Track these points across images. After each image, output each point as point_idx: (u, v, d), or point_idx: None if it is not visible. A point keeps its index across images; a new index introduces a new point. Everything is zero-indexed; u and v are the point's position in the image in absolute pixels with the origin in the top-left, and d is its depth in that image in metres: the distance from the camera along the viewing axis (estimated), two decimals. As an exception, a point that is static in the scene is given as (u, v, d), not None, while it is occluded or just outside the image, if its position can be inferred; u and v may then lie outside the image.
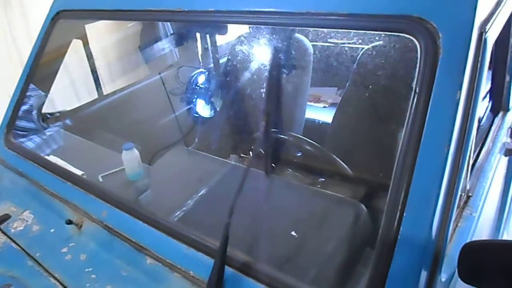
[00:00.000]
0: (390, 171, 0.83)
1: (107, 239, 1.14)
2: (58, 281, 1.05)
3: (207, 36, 2.50)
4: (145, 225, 1.11)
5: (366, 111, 1.67)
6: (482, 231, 1.20)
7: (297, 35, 1.97)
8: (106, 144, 1.67)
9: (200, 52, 2.67)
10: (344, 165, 1.44)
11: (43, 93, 1.82)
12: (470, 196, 1.11)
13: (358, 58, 1.68)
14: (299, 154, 1.59)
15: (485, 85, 1.50)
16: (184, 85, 2.31)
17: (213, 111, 2.36)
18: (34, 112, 1.81)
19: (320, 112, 2.46)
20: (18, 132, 1.71)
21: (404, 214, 0.78)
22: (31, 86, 1.70)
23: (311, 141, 1.52)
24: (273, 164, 1.66)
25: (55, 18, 1.64)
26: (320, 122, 2.25)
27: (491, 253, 0.78)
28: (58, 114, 1.96)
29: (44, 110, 1.85)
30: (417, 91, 0.82)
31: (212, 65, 2.51)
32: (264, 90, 1.96)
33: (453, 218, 0.83)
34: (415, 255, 0.78)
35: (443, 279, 0.84)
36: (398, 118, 0.90)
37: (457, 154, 0.80)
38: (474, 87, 0.83)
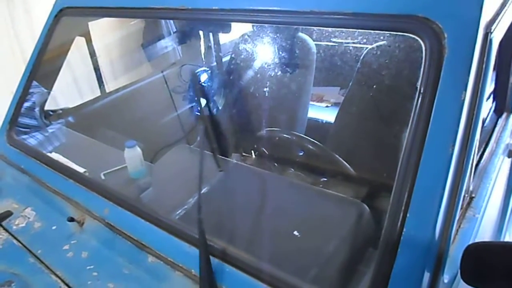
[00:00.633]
0: (393, 171, 0.82)
1: (109, 237, 1.14)
2: (60, 278, 1.05)
3: (210, 34, 2.49)
4: (147, 223, 1.11)
5: (369, 111, 1.67)
6: (484, 232, 1.19)
7: (300, 34, 1.96)
8: (109, 141, 1.67)
9: (203, 51, 2.66)
10: (347, 164, 1.44)
11: (45, 90, 1.82)
12: (473, 197, 1.11)
13: (361, 57, 1.67)
14: (301, 154, 1.59)
15: (489, 86, 1.49)
16: (186, 83, 2.30)
17: (215, 109, 2.36)
18: (37, 109, 1.81)
19: (323, 112, 2.45)
20: (21, 129, 1.71)
21: (408, 215, 0.78)
22: (34, 83, 1.70)
23: (313, 140, 1.52)
24: (275, 163, 1.66)
25: (58, 15, 1.64)
26: (323, 121, 2.25)
27: (494, 255, 0.77)
28: (60, 112, 1.96)
29: (46, 107, 1.85)
30: (421, 91, 0.82)
31: (215, 63, 2.51)
32: (266, 89, 1.96)
33: (457, 219, 0.83)
34: (418, 256, 0.78)
35: (445, 280, 0.84)
36: (402, 118, 0.90)
37: (461, 155, 0.80)
38: (479, 88, 0.82)
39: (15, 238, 1.21)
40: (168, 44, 2.73)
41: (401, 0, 0.88)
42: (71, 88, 2.89)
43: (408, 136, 0.81)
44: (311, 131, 1.91)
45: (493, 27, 0.85)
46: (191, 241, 1.02)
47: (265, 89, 2.00)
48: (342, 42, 2.17)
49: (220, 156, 1.54)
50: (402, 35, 0.91)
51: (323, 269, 1.00)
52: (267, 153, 1.69)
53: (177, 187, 1.40)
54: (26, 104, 1.72)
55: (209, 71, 2.34)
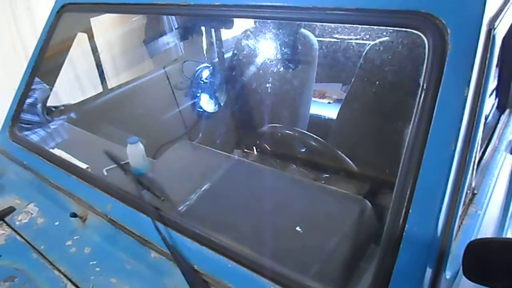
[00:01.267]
0: (395, 168, 0.82)
1: (111, 233, 1.14)
2: (63, 273, 1.05)
3: (213, 30, 2.49)
4: (149, 218, 1.11)
5: (371, 107, 1.66)
6: (486, 228, 1.19)
7: (302, 30, 1.96)
8: (111, 137, 1.67)
9: (205, 47, 2.66)
10: (349, 161, 1.44)
11: (47, 87, 1.82)
12: (475, 194, 1.11)
13: (364, 53, 1.67)
14: (304, 150, 1.59)
15: (492, 82, 1.49)
16: (188, 79, 2.31)
17: (217, 105, 2.36)
18: (39, 106, 1.81)
19: (325, 108, 2.45)
20: (23, 125, 1.71)
21: (410, 211, 0.78)
22: (36, 79, 1.70)
23: (315, 136, 1.52)
24: (277, 160, 1.66)
25: (60, 11, 1.64)
26: (325, 117, 2.24)
27: (496, 251, 0.77)
28: (62, 108, 1.96)
29: (49, 104, 1.85)
30: (424, 87, 0.81)
31: (217, 59, 2.51)
32: (269, 85, 1.95)
33: (459, 216, 0.83)
34: (420, 252, 0.78)
35: (447, 276, 0.84)
36: (405, 114, 0.90)
37: (464, 151, 0.80)
38: (482, 84, 0.82)
39: (18, 233, 1.21)
40: (170, 40, 2.73)
41: (404, -4, 0.88)
42: (73, 84, 2.89)
43: (411, 132, 0.81)
44: (313, 127, 1.91)
45: (496, 23, 0.85)
46: (193, 236, 1.02)
47: (267, 85, 1.99)
48: (344, 38, 2.16)
49: (222, 152, 1.55)
50: (405, 31, 0.90)
51: (325, 265, 1.00)
52: (269, 149, 1.69)
53: (179, 182, 1.40)
54: (29, 101, 1.73)
55: (211, 67, 2.35)
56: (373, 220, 1.13)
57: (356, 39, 2.06)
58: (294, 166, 1.65)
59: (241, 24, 2.26)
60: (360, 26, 1.38)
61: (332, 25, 2.12)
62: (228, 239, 1.00)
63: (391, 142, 1.12)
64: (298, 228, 1.09)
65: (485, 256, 0.78)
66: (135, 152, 1.44)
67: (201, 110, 2.33)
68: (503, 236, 1.74)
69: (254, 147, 1.90)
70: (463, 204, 1.00)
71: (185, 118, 2.27)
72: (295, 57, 1.96)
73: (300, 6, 1.01)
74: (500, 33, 0.87)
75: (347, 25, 1.81)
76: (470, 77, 0.79)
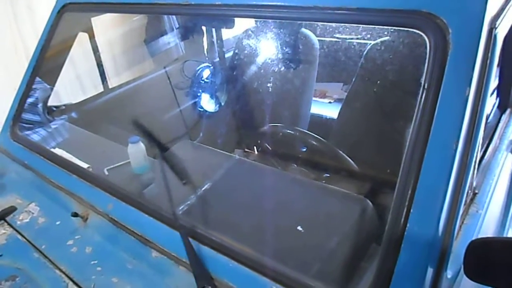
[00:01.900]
0: (396, 167, 0.82)
1: (112, 232, 1.14)
2: (64, 273, 1.05)
3: (213, 30, 2.49)
4: (150, 218, 1.11)
5: (372, 107, 1.66)
6: (488, 228, 1.19)
7: (303, 29, 1.96)
8: (112, 137, 1.67)
9: (206, 46, 2.66)
10: (350, 160, 1.44)
11: (48, 86, 1.82)
12: (476, 193, 1.11)
13: (365, 53, 1.67)
14: (305, 149, 1.59)
15: (493, 82, 1.49)
16: (189, 79, 2.30)
17: (218, 105, 2.36)
18: (40, 105, 1.81)
19: (326, 108, 2.45)
20: (24, 125, 1.71)
21: (411, 211, 0.78)
22: (37, 79, 1.70)
23: (316, 136, 1.52)
24: (278, 159, 1.66)
25: (61, 11, 1.64)
26: (326, 117, 2.24)
27: (497, 250, 0.77)
28: (63, 107, 1.97)
29: (49, 103, 1.86)
30: (425, 87, 0.81)
31: (217, 59, 2.51)
32: (270, 84, 1.95)
33: (460, 215, 0.83)
34: (421, 251, 0.78)
35: (449, 276, 0.84)
36: (406, 114, 0.90)
37: (465, 151, 0.80)
38: (483, 84, 0.82)
39: (19, 233, 1.21)
40: (170, 40, 2.73)
41: (405, -5, 0.88)
42: (74, 84, 2.89)
43: (412, 132, 0.81)
44: (314, 127, 1.91)
45: (497, 23, 0.85)
46: (194, 236, 1.02)
47: (268, 85, 1.99)
48: (345, 38, 2.16)
49: (223, 152, 1.55)
50: (406, 30, 0.90)
51: (326, 265, 1.00)
52: (270, 148, 1.69)
53: (180, 182, 1.40)
54: (30, 100, 1.73)
55: (212, 67, 2.35)
56: (374, 220, 1.13)
57: (357, 38, 2.06)
58: (295, 165, 1.65)
59: (242, 24, 2.26)
60: (361, 25, 1.38)
61: (333, 24, 2.11)
62: (229, 239, 1.00)
63: (392, 142, 1.12)
64: (299, 228, 1.09)
65: (486, 256, 0.78)
66: (136, 152, 1.44)
67: (202, 109, 2.33)
68: (504, 235, 1.74)
69: (255, 147, 1.90)
70: (464, 204, 1.00)
71: (186, 117, 2.27)
72: (296, 56, 1.96)
73: (301, 6, 1.01)
74: (501, 33, 0.87)
75: (348, 25, 1.81)
76: (471, 76, 0.79)
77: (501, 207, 1.53)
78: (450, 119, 0.79)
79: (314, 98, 2.21)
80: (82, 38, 1.96)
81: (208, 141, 2.09)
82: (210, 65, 2.39)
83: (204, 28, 2.56)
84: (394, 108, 1.53)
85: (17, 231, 1.23)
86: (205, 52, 2.66)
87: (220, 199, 1.29)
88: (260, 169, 1.48)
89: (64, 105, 2.00)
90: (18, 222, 1.26)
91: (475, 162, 0.90)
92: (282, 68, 1.99)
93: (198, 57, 2.51)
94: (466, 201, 1.04)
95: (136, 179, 1.45)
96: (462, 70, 0.79)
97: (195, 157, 1.59)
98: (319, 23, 2.03)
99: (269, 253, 0.96)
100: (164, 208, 1.13)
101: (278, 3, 1.05)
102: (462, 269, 0.82)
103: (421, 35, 0.84)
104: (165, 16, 2.67)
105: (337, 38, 2.23)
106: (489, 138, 1.35)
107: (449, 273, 0.84)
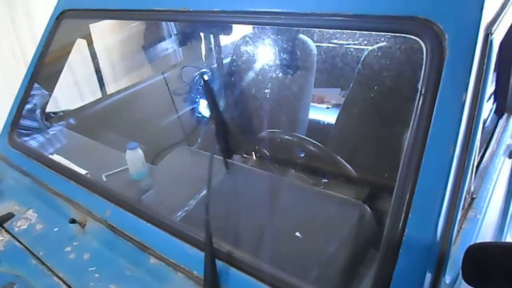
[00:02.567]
0: (394, 173, 0.83)
1: (110, 239, 1.14)
2: (62, 280, 1.05)
3: (211, 36, 2.50)
4: (148, 224, 1.11)
5: (370, 112, 1.67)
6: (486, 233, 1.19)
7: (301, 35, 1.97)
8: (110, 143, 1.67)
9: (204, 52, 2.67)
10: (348, 166, 1.44)
11: (47, 93, 1.82)
12: (474, 198, 1.11)
13: (362, 59, 1.67)
14: (303, 155, 1.59)
15: (490, 87, 1.49)
16: (187, 85, 2.31)
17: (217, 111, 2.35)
18: (38, 111, 1.81)
19: (324, 113, 2.45)
20: (22, 131, 1.71)
21: (409, 216, 0.78)
22: (35, 85, 1.70)
23: (314, 141, 1.52)
24: (276, 165, 1.66)
25: (59, 17, 1.65)
26: (324, 122, 2.25)
27: (495, 255, 0.77)
28: (62, 113, 1.97)
29: (48, 109, 1.86)
30: (422, 92, 0.82)
31: (215, 65, 2.51)
32: (268, 90, 1.96)
33: (458, 220, 0.83)
34: (419, 257, 0.78)
35: (447, 281, 0.84)
36: (403, 119, 0.90)
37: (463, 156, 0.80)
38: (480, 89, 0.82)
39: (17, 240, 1.21)
40: (169, 46, 2.73)
41: (401, 2, 0.88)
42: (72, 90, 2.90)
43: (409, 137, 0.81)
44: (312, 132, 1.91)
45: (493, 28, 0.85)
46: (193, 242, 1.02)
47: (266, 91, 2.00)
48: (342, 44, 2.17)
49: (221, 158, 1.54)
50: (403, 36, 0.91)
51: (325, 270, 1.00)
52: (268, 154, 1.69)
53: (178, 188, 1.40)
54: (28, 106, 1.73)
55: (210, 73, 2.35)
56: (372, 225, 1.13)
57: (354, 44, 2.07)
58: (293, 171, 1.65)
59: (240, 30, 2.26)
60: (358, 32, 1.39)
61: (331, 31, 2.12)
62: (227, 245, 1.00)
63: (390, 147, 1.12)
64: (297, 234, 1.09)
65: (484, 261, 0.78)
66: (134, 158, 1.44)
67: (200, 115, 2.33)
68: (502, 240, 1.74)
69: (253, 153, 1.90)
70: (462, 209, 1.01)
71: (184, 123, 2.27)
72: (294, 62, 1.96)
73: (299, 12, 1.02)
74: (497, 38, 0.88)
75: (345, 31, 1.82)
76: (468, 82, 0.79)
77: (499, 211, 1.53)
78: (447, 124, 0.79)
79: (312, 104, 2.21)
80: (81, 44, 1.96)
81: (206, 147, 2.09)
82: (208, 71, 2.39)
83: (202, 34, 2.57)
84: (392, 113, 1.53)
85: (15, 237, 1.22)
86: (203, 58, 2.67)
87: (218, 205, 1.29)
88: (258, 174, 1.48)
89: (62, 111, 2.00)
90: (16, 229, 1.25)
91: (473, 166, 0.90)
92: (280, 74, 1.99)
93: (196, 63, 2.51)
94: (464, 205, 1.04)
95: (134, 185, 1.45)
96: (459, 75, 0.80)
97: (193, 163, 1.59)
98: (317, 30, 2.04)
99: (268, 259, 0.96)
100: (162, 214, 1.13)
101: (276, 10, 1.05)
102: (460, 274, 0.82)
103: (417, 41, 0.85)
104: (163, 23, 2.68)
105: (335, 44, 2.23)
106: (486, 143, 1.36)
107: (447, 278, 0.84)
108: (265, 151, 1.70)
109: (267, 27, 1.80)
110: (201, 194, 1.31)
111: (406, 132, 0.83)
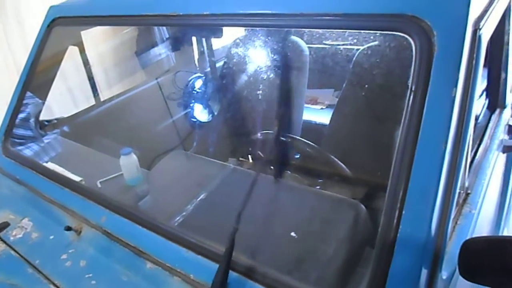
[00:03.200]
0: (388, 170, 0.83)
1: (106, 245, 1.13)
2: (58, 288, 1.05)
3: (203, 40, 2.50)
4: (144, 229, 1.10)
5: (363, 111, 1.67)
6: (482, 228, 1.20)
7: (292, 37, 1.97)
8: (104, 149, 1.67)
9: (196, 57, 2.67)
10: (343, 165, 1.44)
11: (40, 101, 1.82)
12: (469, 194, 1.11)
13: (354, 58, 1.68)
14: (298, 156, 1.59)
15: (482, 83, 1.50)
16: (181, 89, 2.31)
17: (210, 115, 2.36)
18: (32, 120, 1.81)
19: (318, 114, 2.46)
20: (16, 140, 1.71)
21: (403, 213, 0.78)
22: (28, 93, 1.70)
23: (309, 142, 1.53)
24: (271, 166, 1.66)
25: (51, 25, 1.65)
26: (318, 123, 2.25)
27: (492, 250, 0.78)
28: (55, 121, 1.96)
29: (41, 118, 1.85)
30: (413, 89, 0.82)
31: (208, 69, 2.51)
32: (261, 92, 1.96)
33: (452, 216, 0.83)
34: (415, 253, 0.78)
35: (444, 277, 0.84)
36: (395, 117, 0.90)
37: (455, 152, 0.81)
38: (469, 84, 0.83)
39: (13, 249, 1.20)
40: (161, 51, 2.73)
41: (390, 0, 0.89)
42: (65, 98, 2.89)
43: (401, 134, 0.82)
44: (307, 133, 1.92)
45: (481, 24, 0.86)
46: (189, 246, 1.02)
47: (259, 93, 2.00)
48: (334, 44, 2.18)
49: (217, 161, 1.55)
50: (392, 34, 0.91)
51: (321, 270, 1.00)
52: (263, 156, 1.69)
53: (173, 192, 1.40)
54: (21, 115, 1.72)
55: (204, 77, 2.35)
56: (368, 224, 1.13)
57: (344, 44, 2.07)
58: (289, 172, 1.65)
59: (232, 33, 2.27)
60: (347, 31, 1.39)
61: (321, 31, 2.13)
62: (224, 248, 1.00)
63: (383, 145, 1.12)
64: (293, 233, 1.09)
65: (481, 255, 0.78)
66: (128, 164, 1.44)
67: (195, 119, 2.33)
68: (499, 234, 1.75)
69: (248, 155, 1.90)
70: (457, 204, 1.01)
71: (179, 128, 2.27)
72: (287, 64, 1.97)
73: (287, 13, 1.02)
74: (486, 33, 0.88)
75: (335, 31, 1.82)
76: (458, 77, 0.80)
77: (494, 206, 1.53)
78: (438, 120, 0.79)
79: (306, 105, 2.21)
80: (73, 51, 1.96)
81: (201, 151, 2.10)
82: (202, 75, 2.39)
83: (194, 38, 2.57)
84: (384, 111, 1.54)
85: (10, 247, 1.22)
86: (196, 62, 2.67)
87: (214, 208, 1.29)
88: (253, 177, 1.48)
89: (56, 119, 1.99)
90: (12, 238, 1.25)
91: (466, 162, 0.90)
92: (273, 76, 1.99)
93: (189, 68, 2.51)
94: (458, 201, 1.04)
95: (129, 190, 1.44)
96: (448, 71, 0.80)
97: (187, 167, 1.59)
98: (308, 30, 2.05)
99: (263, 260, 0.96)
100: (158, 219, 1.13)
101: (264, 11, 1.05)
102: (457, 270, 0.82)
103: (406, 39, 0.85)
104: (155, 28, 2.68)
105: (327, 44, 2.24)
106: (479, 138, 1.36)
107: (444, 274, 0.84)
108: (260, 153, 1.70)
109: (258, 29, 1.80)
110: (197, 198, 1.30)
111: (398, 129, 0.84)
